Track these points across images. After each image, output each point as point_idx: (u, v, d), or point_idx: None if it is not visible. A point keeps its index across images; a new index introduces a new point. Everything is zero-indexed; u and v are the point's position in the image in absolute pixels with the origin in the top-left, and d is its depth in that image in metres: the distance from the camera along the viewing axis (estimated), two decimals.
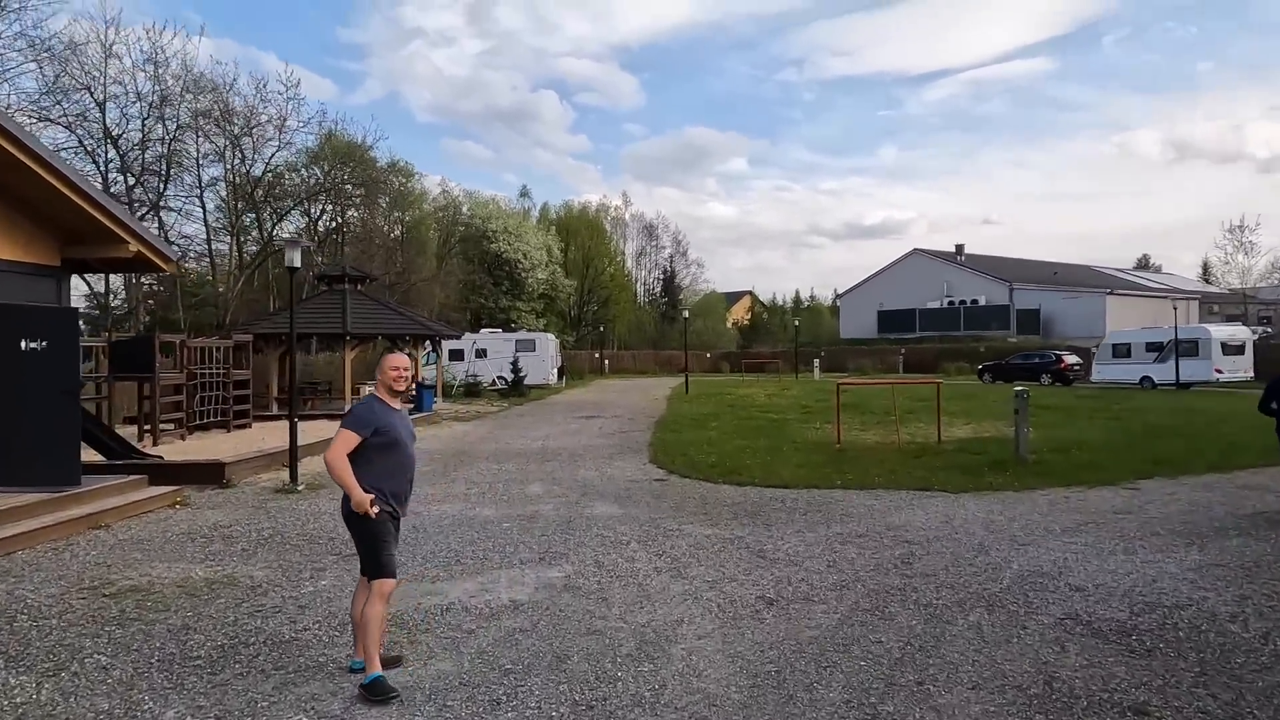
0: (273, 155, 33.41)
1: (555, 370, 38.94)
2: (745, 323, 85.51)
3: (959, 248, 64.31)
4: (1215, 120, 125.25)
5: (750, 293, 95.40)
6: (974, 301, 57.83)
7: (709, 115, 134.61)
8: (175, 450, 14.47)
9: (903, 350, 51.50)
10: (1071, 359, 35.37)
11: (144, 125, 28.25)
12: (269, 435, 17.12)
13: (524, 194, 72.64)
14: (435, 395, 26.29)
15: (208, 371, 17.51)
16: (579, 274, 64.66)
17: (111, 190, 27.93)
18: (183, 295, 32.10)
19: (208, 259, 35.46)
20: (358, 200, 42.93)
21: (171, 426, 16.77)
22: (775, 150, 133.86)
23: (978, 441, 15.01)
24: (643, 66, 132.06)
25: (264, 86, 32.48)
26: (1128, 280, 63.00)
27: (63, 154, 26.22)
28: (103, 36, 27.29)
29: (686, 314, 47.22)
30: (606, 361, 58.49)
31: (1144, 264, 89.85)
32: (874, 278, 65.18)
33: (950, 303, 59.18)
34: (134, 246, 9.93)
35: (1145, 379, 31.04)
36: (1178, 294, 61.56)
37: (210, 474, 11.49)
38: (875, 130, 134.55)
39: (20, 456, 9.02)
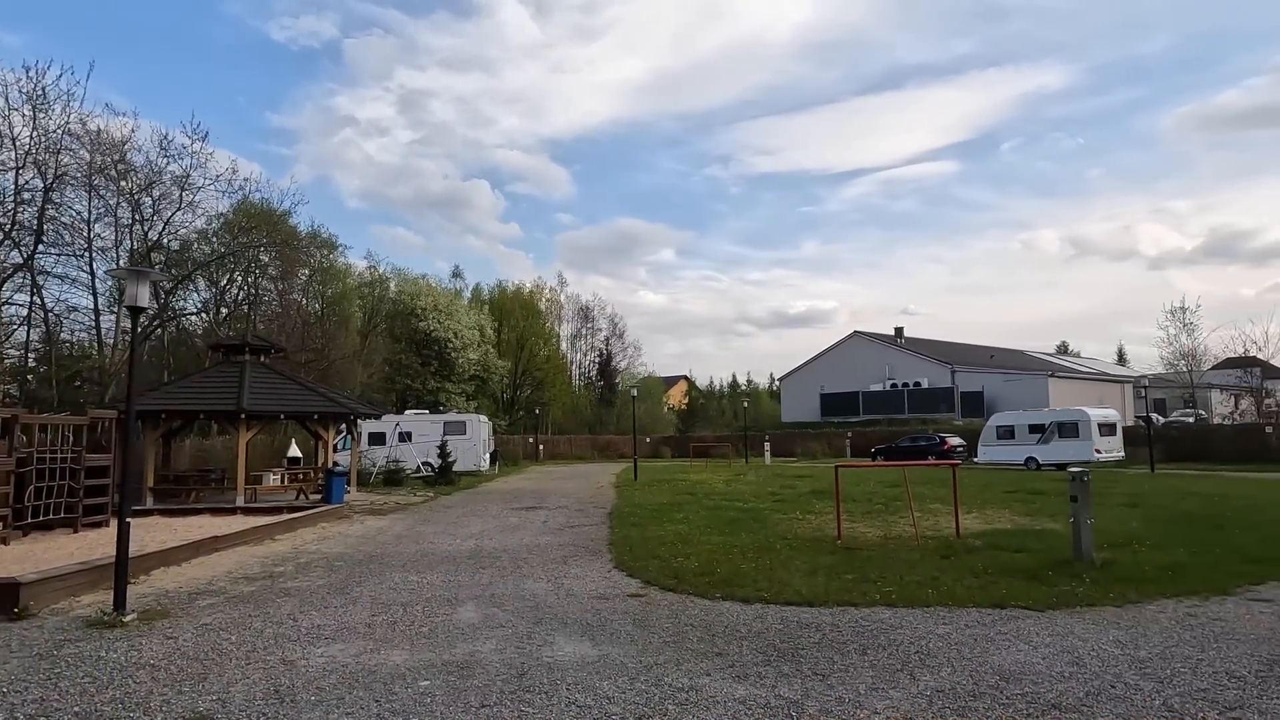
0: (172, 215, 29.96)
1: (488, 455, 35.51)
2: (683, 407, 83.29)
3: (898, 330, 63.99)
4: (1109, 221, 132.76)
5: (686, 377, 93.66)
6: (917, 384, 56.94)
7: (639, 207, 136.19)
8: None
9: (849, 434, 49.80)
10: (955, 441, 36.83)
11: (17, 175, 24.67)
12: (142, 534, 13.55)
13: (456, 274, 69.82)
14: (348, 484, 22.73)
15: (51, 456, 13.88)
16: (512, 355, 61.66)
17: None
18: (57, 369, 27.90)
19: (94, 330, 31.30)
20: (273, 271, 39.56)
21: None
22: (703, 241, 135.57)
23: (1003, 536, 12.55)
24: (574, 159, 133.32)
25: (168, 141, 29.25)
26: (1062, 364, 63.46)
27: None
28: None
29: (635, 392, 44.55)
30: (541, 447, 55.03)
31: (1064, 349, 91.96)
32: (814, 360, 64.08)
33: (893, 385, 58.21)
34: None
35: (1030, 459, 31.70)
36: (1108, 377, 62.38)
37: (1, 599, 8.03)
38: (797, 224, 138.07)
39: None
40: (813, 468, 34.12)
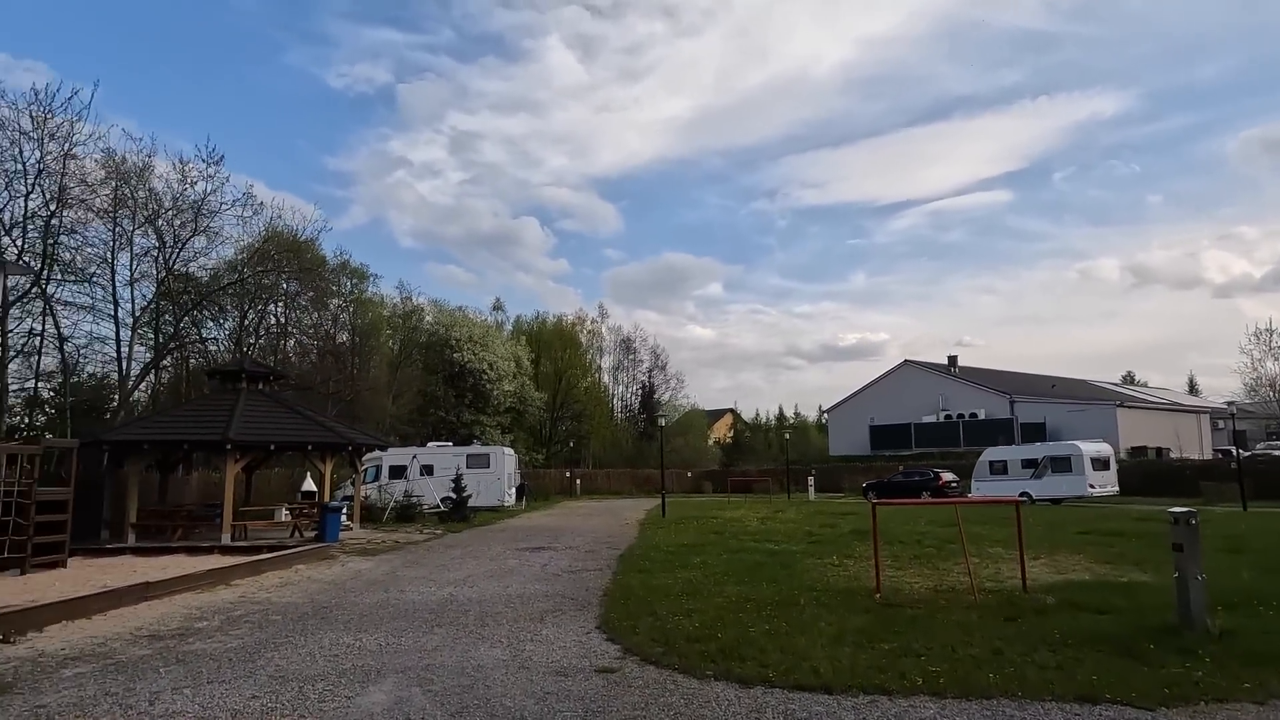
0: (189, 238, 29.24)
1: (513, 490, 33.78)
2: (728, 440, 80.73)
3: (952, 359, 60.89)
4: (1171, 248, 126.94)
5: (732, 410, 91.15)
6: (973, 415, 53.74)
7: (686, 241, 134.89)
8: None
9: (901, 467, 46.87)
10: (948, 476, 35.48)
11: (27, 201, 24.13)
12: (99, 576, 12.18)
13: (497, 307, 69.07)
14: (350, 520, 21.23)
15: None
16: (550, 387, 60.26)
17: None
18: (72, 399, 27.16)
19: (115, 361, 30.67)
20: (302, 301, 38.89)
21: None
22: (750, 275, 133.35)
23: (1080, 590, 10.26)
24: (621, 195, 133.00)
25: (185, 166, 28.66)
26: (1130, 394, 59.53)
27: None
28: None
29: (663, 421, 42.40)
30: (578, 481, 53.19)
31: (1130, 380, 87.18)
32: (863, 391, 61.26)
33: (947, 416, 55.09)
34: None
35: (1024, 494, 29.95)
36: (1181, 408, 58.21)
37: None
38: (846, 256, 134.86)
39: None
40: (858, 504, 31.62)
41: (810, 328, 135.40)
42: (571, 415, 62.26)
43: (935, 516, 21.73)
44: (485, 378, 51.55)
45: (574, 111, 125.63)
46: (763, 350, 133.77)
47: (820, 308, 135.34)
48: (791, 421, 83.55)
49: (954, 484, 34.87)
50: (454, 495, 26.40)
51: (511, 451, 36.22)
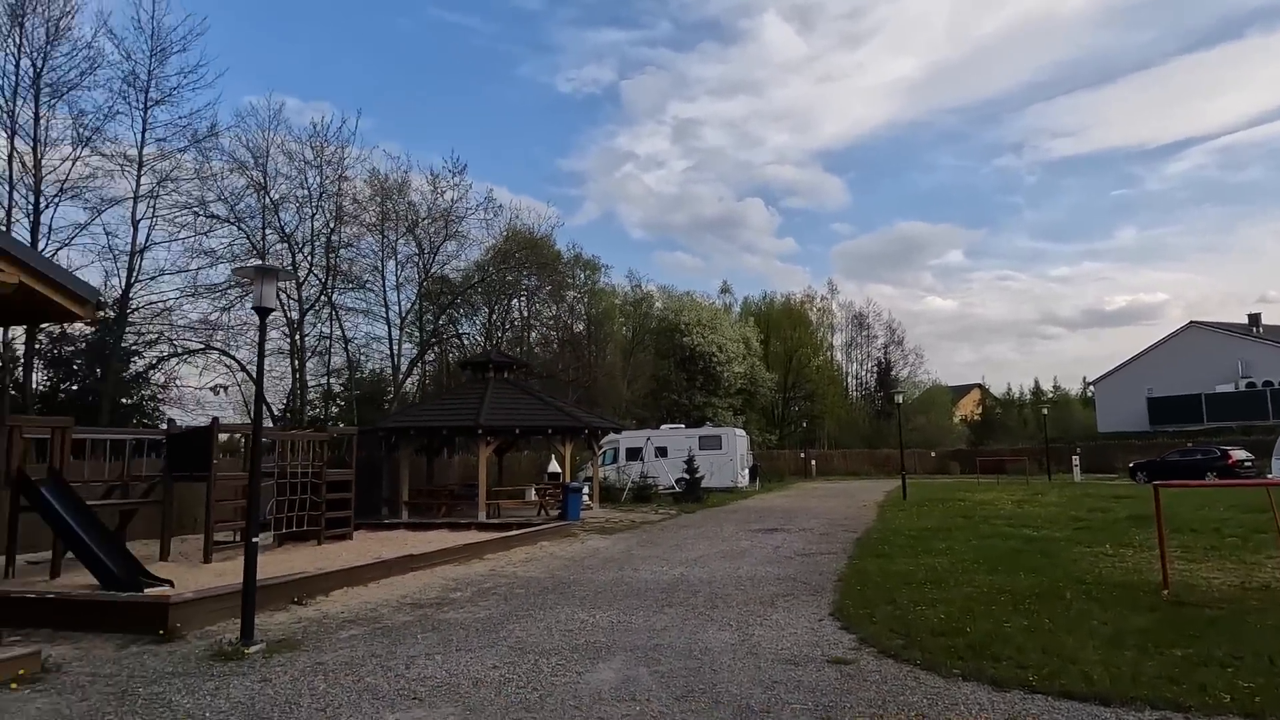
0: (440, 244, 32.15)
1: (746, 471, 33.73)
2: (975, 418, 75.04)
3: (1254, 318, 51.97)
4: None
5: (980, 386, 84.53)
6: None
7: (919, 209, 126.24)
8: (210, 572, 11.19)
9: (1189, 444, 40.80)
10: (1240, 454, 30.64)
11: (313, 222, 27.83)
12: (378, 547, 13.76)
13: (725, 290, 69.30)
14: (590, 500, 22.24)
15: (293, 472, 14.45)
16: (781, 367, 59.54)
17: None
18: (356, 393, 31.00)
19: (389, 357, 34.56)
20: (541, 295, 41.51)
21: (234, 537, 13.84)
22: (995, 239, 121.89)
23: None
24: (847, 167, 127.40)
25: (435, 179, 31.61)
26: None
27: (235, 249, 26.03)
28: (269, 137, 27.38)
29: (900, 398, 40.19)
30: (813, 462, 52.09)
31: None
32: (1138, 359, 54.06)
33: (1250, 384, 47.14)
34: (10, 275, 6.67)
35: None
36: None
37: (149, 618, 7.75)
38: (1110, 210, 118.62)
39: None
40: (1136, 488, 27.96)
41: (1069, 292, 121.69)
42: (804, 395, 61.11)
43: (1239, 500, 18.55)
44: (715, 360, 51.95)
45: (794, 86, 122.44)
46: (1013, 319, 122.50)
47: (1080, 269, 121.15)
48: (1050, 395, 75.89)
49: (1248, 463, 29.92)
50: (687, 476, 26.79)
51: (743, 433, 36.16)
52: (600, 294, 48.94)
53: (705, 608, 8.81)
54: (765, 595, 9.49)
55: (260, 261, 24.00)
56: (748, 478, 33.88)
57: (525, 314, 42.11)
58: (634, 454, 31.79)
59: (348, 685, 5.99)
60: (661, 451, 31.91)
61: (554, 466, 29.83)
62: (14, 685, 6.02)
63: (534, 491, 24.36)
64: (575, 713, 5.29)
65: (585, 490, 22.16)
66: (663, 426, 35.87)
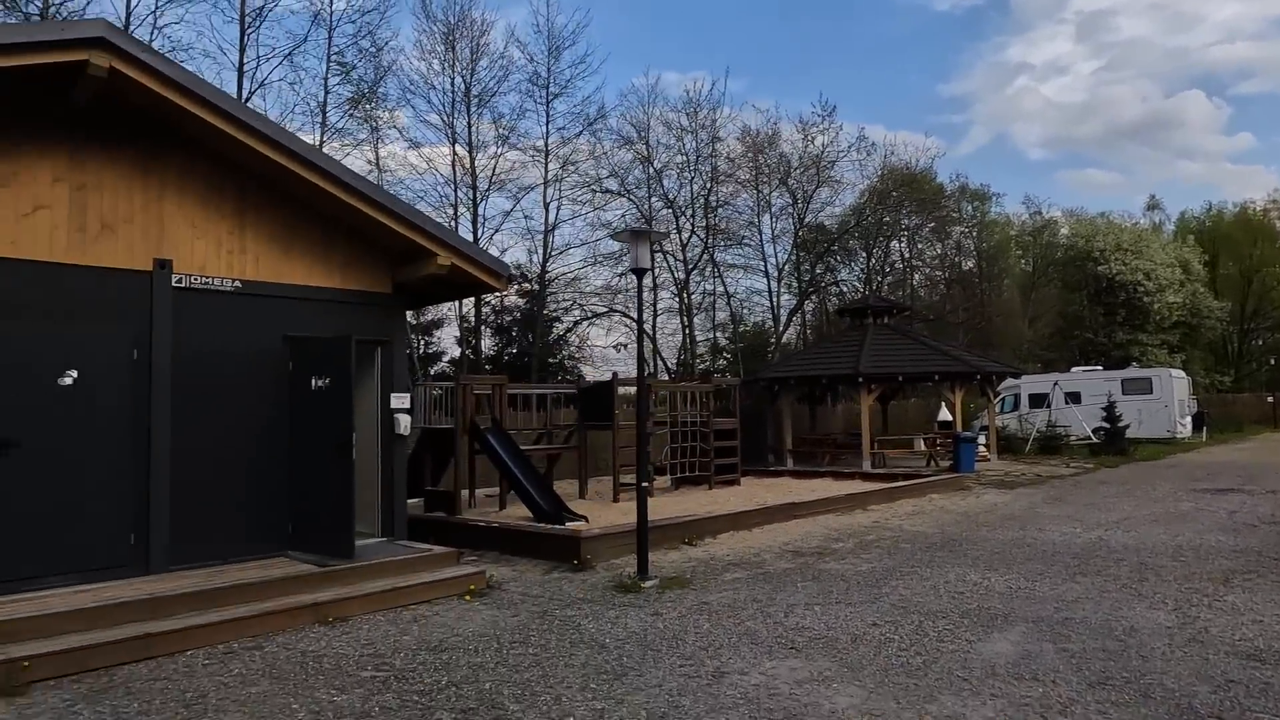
0: (814, 191, 31.75)
1: (1188, 419, 28.34)
2: None
3: None
4: None
5: None
6: None
7: None
8: (616, 511, 12.52)
9: None
10: None
11: (692, 185, 29.36)
12: (763, 493, 14.33)
13: (1152, 205, 58.47)
14: (987, 450, 20.51)
15: (684, 420, 15.48)
16: (1236, 294, 48.85)
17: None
18: (741, 346, 32.33)
19: (769, 310, 35.38)
20: (924, 233, 39.02)
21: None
22: None
23: None
24: None
25: (805, 127, 31.20)
26: None
27: (626, 219, 28.58)
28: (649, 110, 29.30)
29: None
30: None
31: None
32: None
33: None
34: (445, 259, 7.96)
35: None
36: None
37: (566, 549, 8.83)
38: None
39: (304, 520, 7.60)
40: None
41: None
42: (1269, 326, 49.50)
43: None
44: (1141, 290, 44.20)
45: None
46: None
47: None
48: None
49: None
50: (1107, 425, 23.29)
51: (1182, 374, 30.38)
52: (992, 226, 44.54)
53: (1131, 580, 7.49)
54: (1216, 570, 7.79)
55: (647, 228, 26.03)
56: (1190, 426, 28.44)
57: (907, 255, 40.02)
58: (1038, 400, 28.47)
59: (729, 627, 6.19)
60: (1073, 397, 28.10)
61: (944, 414, 28.00)
62: (468, 597, 7.29)
63: (922, 441, 23.17)
64: (964, 685, 4.81)
65: (980, 440, 20.45)
66: (1074, 369, 31.62)
